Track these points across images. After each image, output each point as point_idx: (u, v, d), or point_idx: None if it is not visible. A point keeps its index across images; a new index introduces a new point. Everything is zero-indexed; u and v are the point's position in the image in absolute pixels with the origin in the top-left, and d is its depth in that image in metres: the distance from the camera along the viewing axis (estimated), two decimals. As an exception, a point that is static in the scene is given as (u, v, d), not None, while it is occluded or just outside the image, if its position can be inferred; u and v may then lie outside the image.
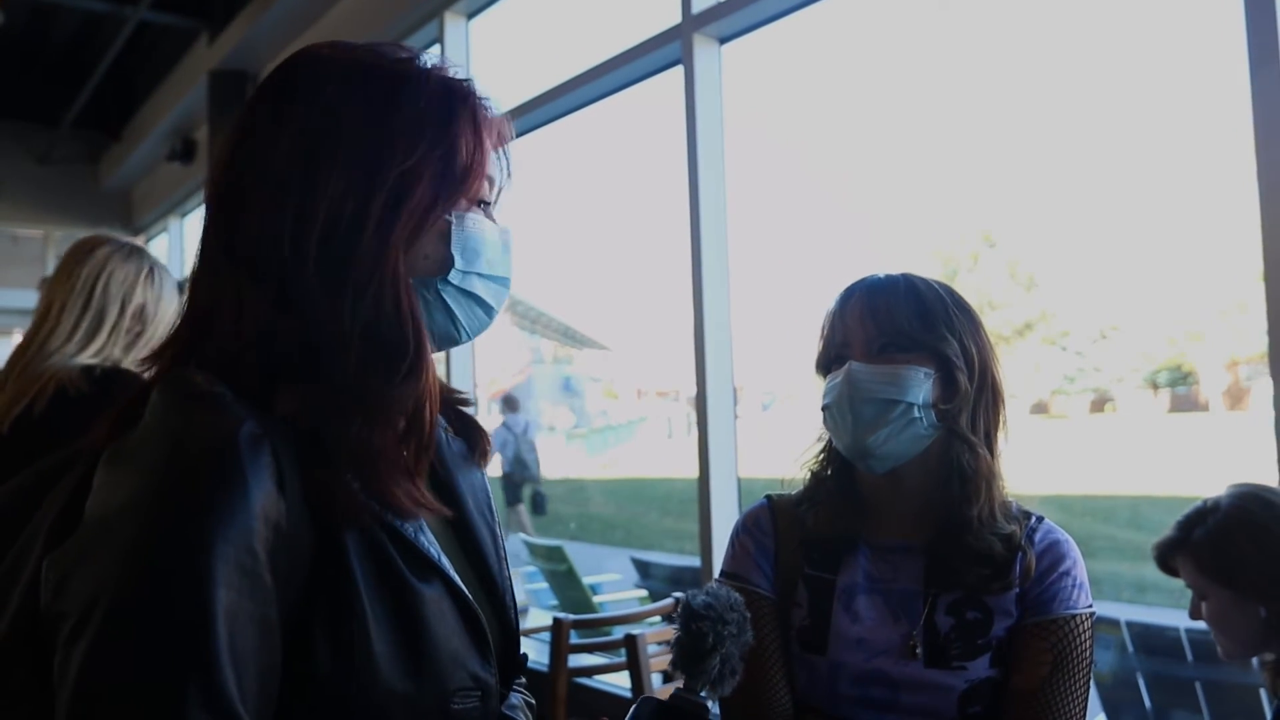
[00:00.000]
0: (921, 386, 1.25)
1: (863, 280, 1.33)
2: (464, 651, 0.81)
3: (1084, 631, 1.24)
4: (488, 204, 0.88)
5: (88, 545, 0.67)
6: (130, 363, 1.81)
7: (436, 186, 0.81)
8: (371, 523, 0.77)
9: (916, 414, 1.25)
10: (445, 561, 0.82)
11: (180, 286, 1.92)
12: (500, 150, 0.89)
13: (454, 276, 0.84)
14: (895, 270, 1.34)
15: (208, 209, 0.83)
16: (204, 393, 0.72)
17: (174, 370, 0.76)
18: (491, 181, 0.88)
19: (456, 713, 0.80)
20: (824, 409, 1.31)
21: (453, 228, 0.84)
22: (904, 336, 1.26)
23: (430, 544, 0.81)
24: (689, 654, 0.93)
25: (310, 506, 0.73)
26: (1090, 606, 1.27)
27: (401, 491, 0.77)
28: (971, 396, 1.27)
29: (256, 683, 0.68)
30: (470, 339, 0.90)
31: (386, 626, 0.76)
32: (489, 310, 0.89)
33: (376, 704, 0.74)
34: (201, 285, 0.82)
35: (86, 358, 1.75)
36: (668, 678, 2.43)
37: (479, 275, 0.86)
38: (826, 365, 1.33)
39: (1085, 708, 1.25)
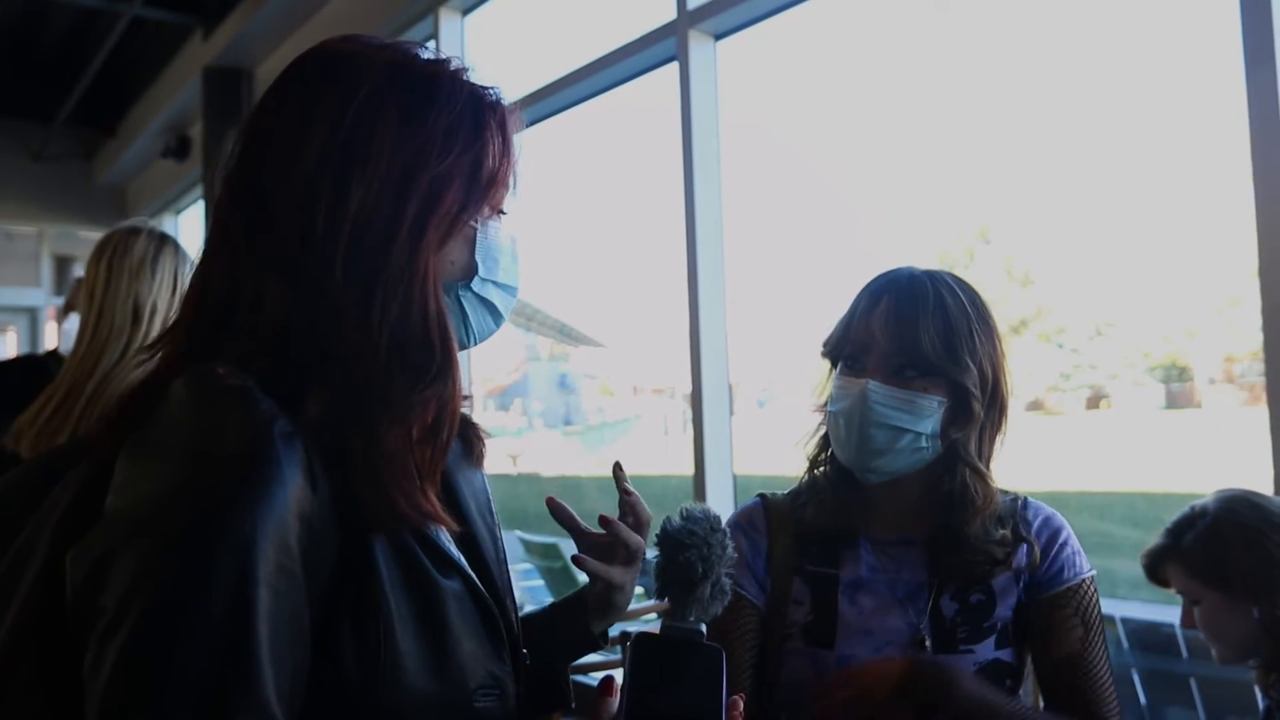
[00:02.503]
0: (934, 416, 1.26)
1: (894, 281, 1.30)
2: (482, 649, 0.81)
3: (1094, 591, 1.30)
4: (504, 213, 0.89)
5: (118, 539, 0.66)
6: None
7: (466, 192, 0.81)
8: (398, 527, 0.76)
9: (924, 443, 1.26)
10: (464, 560, 0.82)
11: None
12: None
13: (475, 284, 0.85)
14: (925, 269, 1.32)
15: (224, 200, 0.81)
16: (234, 387, 0.71)
17: (195, 364, 0.75)
18: (508, 189, 0.88)
19: (480, 710, 0.80)
20: (831, 412, 1.31)
21: (478, 234, 0.85)
22: (925, 361, 1.25)
23: (449, 541, 0.82)
24: (680, 585, 0.90)
25: (338, 507, 0.73)
26: (1092, 569, 1.32)
27: (406, 500, 0.76)
28: (982, 419, 1.28)
29: (290, 683, 0.67)
30: (476, 345, 0.90)
31: (412, 626, 0.75)
32: (498, 318, 0.90)
33: (402, 703, 0.74)
34: (216, 275, 0.80)
35: None
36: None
37: (494, 283, 0.87)
38: (836, 357, 1.33)
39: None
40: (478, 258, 0.85)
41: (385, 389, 0.76)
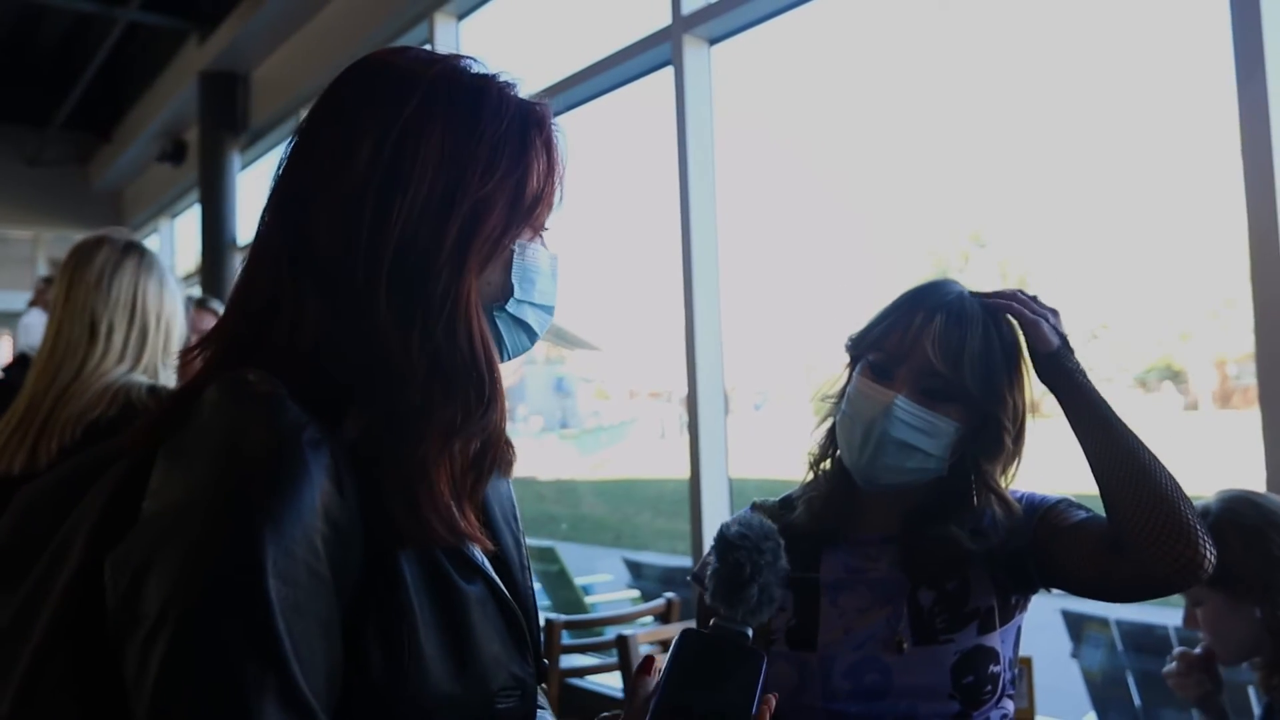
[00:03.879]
0: (948, 439, 1.27)
1: (946, 300, 1.29)
2: (505, 651, 0.82)
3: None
4: (546, 230, 0.88)
5: (152, 546, 0.67)
6: (168, 372, 1.82)
7: (508, 216, 0.80)
8: (423, 543, 0.77)
9: (932, 464, 1.28)
10: (487, 563, 0.83)
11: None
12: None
13: (510, 305, 0.84)
14: (973, 290, 1.32)
15: (268, 210, 0.82)
16: (265, 393, 0.72)
17: (229, 371, 0.76)
18: (552, 209, 0.87)
19: (500, 712, 0.81)
20: (846, 414, 1.31)
21: (515, 257, 0.83)
22: (956, 389, 1.25)
23: (472, 546, 0.82)
24: (729, 585, 0.93)
25: (365, 514, 0.73)
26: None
27: (443, 523, 0.77)
28: (1010, 451, 1.30)
29: (325, 682, 0.68)
30: (509, 360, 0.89)
31: (435, 629, 0.76)
32: (533, 336, 0.89)
33: (425, 706, 0.75)
34: (257, 284, 0.80)
35: (139, 375, 1.76)
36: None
37: (531, 304, 0.86)
38: (860, 356, 1.32)
39: None
40: (514, 280, 0.83)
41: (427, 415, 0.76)
